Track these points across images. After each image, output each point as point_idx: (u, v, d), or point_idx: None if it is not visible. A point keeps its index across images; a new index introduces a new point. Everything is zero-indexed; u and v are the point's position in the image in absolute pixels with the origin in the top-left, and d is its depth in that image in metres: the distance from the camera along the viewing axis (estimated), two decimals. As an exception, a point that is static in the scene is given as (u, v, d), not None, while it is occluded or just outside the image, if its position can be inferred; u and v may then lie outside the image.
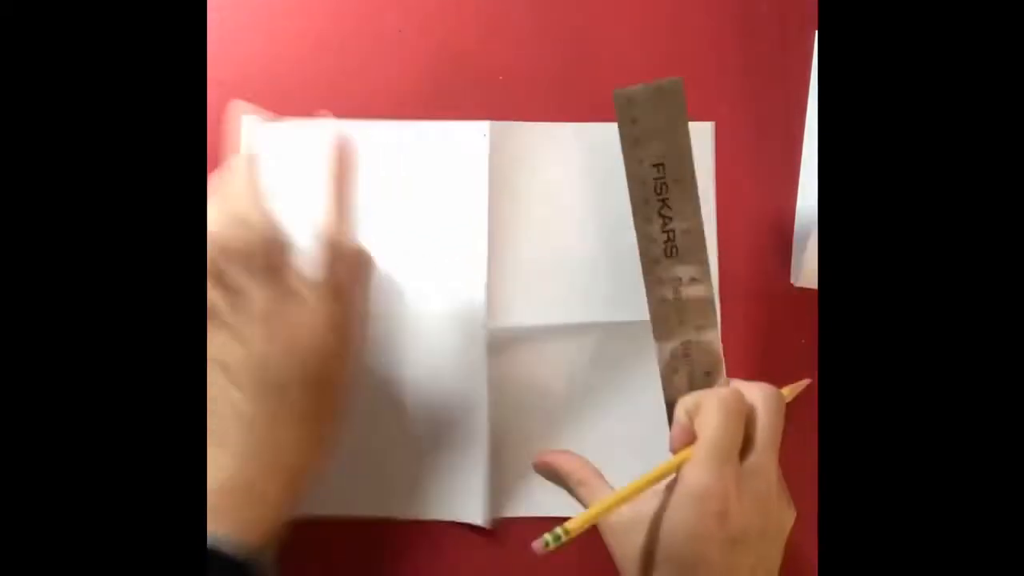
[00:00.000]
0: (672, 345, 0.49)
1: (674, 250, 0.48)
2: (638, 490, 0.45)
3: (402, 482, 0.55)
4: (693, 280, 0.49)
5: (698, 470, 0.44)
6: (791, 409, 0.55)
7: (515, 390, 0.56)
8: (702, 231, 0.49)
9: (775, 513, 0.46)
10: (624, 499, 0.45)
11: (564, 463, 0.50)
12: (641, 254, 0.49)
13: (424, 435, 0.55)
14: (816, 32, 0.57)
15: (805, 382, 0.51)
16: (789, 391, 0.50)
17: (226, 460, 0.43)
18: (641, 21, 0.57)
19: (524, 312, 0.56)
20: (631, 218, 0.55)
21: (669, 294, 0.49)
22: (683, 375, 0.49)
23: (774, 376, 0.56)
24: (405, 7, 0.57)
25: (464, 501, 0.55)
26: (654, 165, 0.48)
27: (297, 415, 0.44)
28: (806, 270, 0.54)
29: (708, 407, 0.45)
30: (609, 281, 0.56)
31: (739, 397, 0.46)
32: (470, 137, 0.56)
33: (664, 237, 0.48)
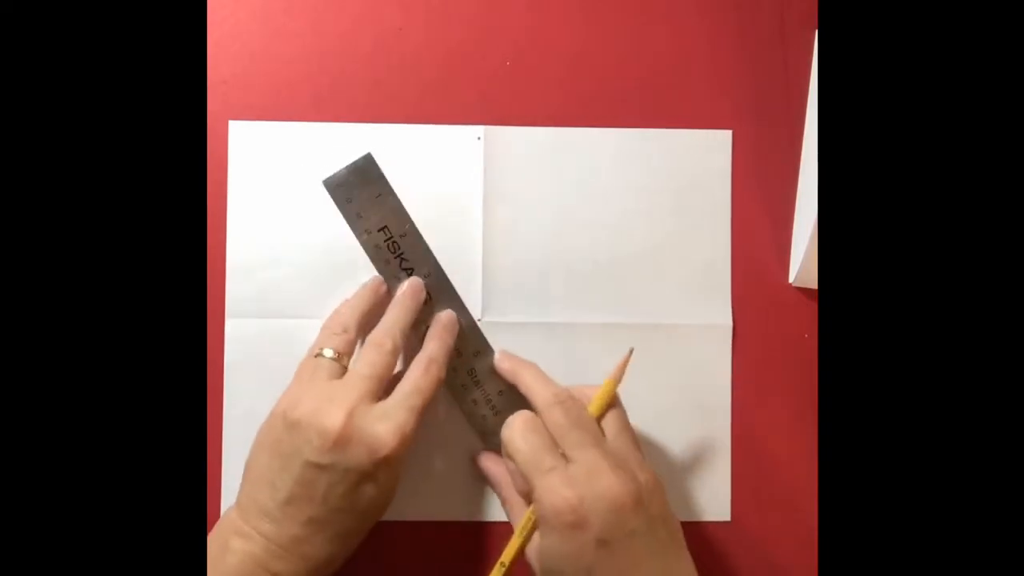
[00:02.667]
0: (460, 379, 0.55)
1: (427, 296, 0.55)
2: (531, 522, 0.48)
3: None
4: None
5: (536, 496, 0.46)
6: (787, 403, 0.55)
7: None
8: (441, 269, 0.55)
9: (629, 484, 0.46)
10: (525, 529, 0.48)
11: (492, 472, 0.53)
12: None
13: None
14: (816, 32, 0.57)
15: (629, 352, 0.52)
16: (619, 371, 0.52)
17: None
18: (639, 27, 0.57)
19: (517, 309, 0.56)
20: (623, 223, 0.56)
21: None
22: (482, 403, 0.55)
23: (775, 376, 0.56)
24: (405, 9, 0.57)
25: (455, 499, 0.56)
26: (380, 230, 0.55)
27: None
28: (806, 270, 0.54)
29: (505, 440, 0.49)
30: (601, 284, 0.56)
31: (520, 417, 0.49)
32: (464, 141, 0.56)
33: None
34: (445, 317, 0.54)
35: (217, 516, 0.54)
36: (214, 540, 0.48)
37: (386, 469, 0.47)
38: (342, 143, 0.56)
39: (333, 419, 0.46)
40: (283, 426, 0.48)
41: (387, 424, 0.47)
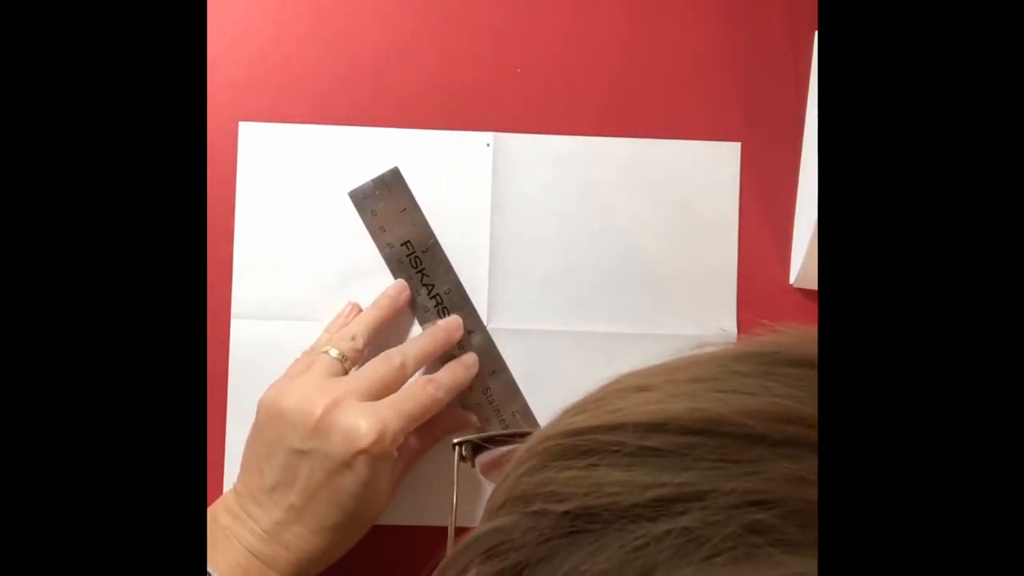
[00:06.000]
0: (474, 398, 0.55)
1: (445, 311, 0.55)
2: None
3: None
4: (470, 333, 0.55)
5: None
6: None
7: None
8: (461, 287, 0.55)
9: None
10: None
11: None
12: (420, 324, 0.56)
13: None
14: (815, 32, 0.57)
15: None
16: None
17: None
18: (650, 37, 0.57)
19: (523, 317, 0.56)
20: (630, 233, 0.56)
21: (456, 351, 0.55)
22: (495, 423, 0.55)
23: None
24: (417, 14, 0.57)
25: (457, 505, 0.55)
26: (402, 244, 0.55)
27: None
28: (806, 270, 0.54)
29: None
30: (607, 293, 0.56)
31: None
32: (474, 147, 0.56)
33: (434, 303, 0.55)
34: (469, 359, 0.54)
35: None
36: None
37: (366, 463, 0.47)
38: (351, 146, 0.56)
39: (315, 405, 0.47)
40: (270, 414, 0.48)
41: (369, 418, 0.47)
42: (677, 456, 0.24)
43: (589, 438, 0.26)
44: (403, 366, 0.51)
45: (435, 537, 0.55)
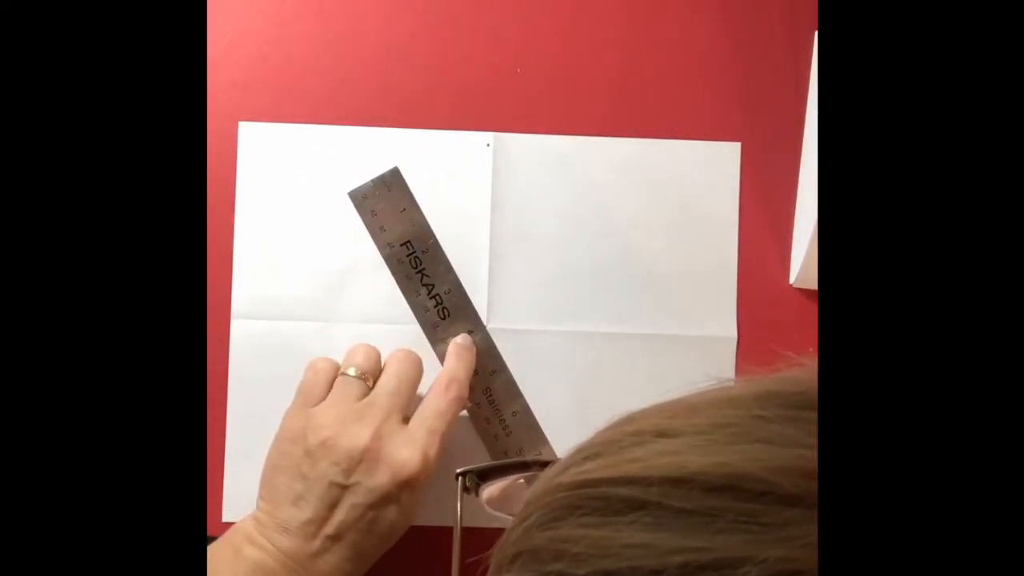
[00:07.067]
0: (474, 398, 0.55)
1: (445, 312, 0.55)
2: None
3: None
4: (470, 332, 0.55)
5: None
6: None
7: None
8: (461, 287, 0.55)
9: None
10: None
11: None
12: (421, 324, 0.55)
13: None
14: (815, 32, 0.57)
15: None
16: None
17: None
18: (650, 37, 0.57)
19: (523, 317, 0.56)
20: (630, 233, 0.56)
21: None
22: (495, 423, 0.55)
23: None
24: (418, 14, 0.57)
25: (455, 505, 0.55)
26: (402, 244, 0.55)
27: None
28: (806, 270, 0.54)
29: None
30: (607, 293, 0.56)
31: None
32: (474, 147, 0.56)
33: (434, 303, 0.55)
34: (464, 340, 0.54)
35: (219, 515, 0.54)
36: (225, 545, 0.48)
37: (409, 492, 0.47)
38: (351, 146, 0.56)
39: (360, 439, 0.47)
40: (307, 447, 0.48)
41: (411, 448, 0.47)
42: (703, 516, 0.23)
43: (606, 491, 0.25)
44: (418, 361, 0.51)
45: (430, 535, 0.55)
